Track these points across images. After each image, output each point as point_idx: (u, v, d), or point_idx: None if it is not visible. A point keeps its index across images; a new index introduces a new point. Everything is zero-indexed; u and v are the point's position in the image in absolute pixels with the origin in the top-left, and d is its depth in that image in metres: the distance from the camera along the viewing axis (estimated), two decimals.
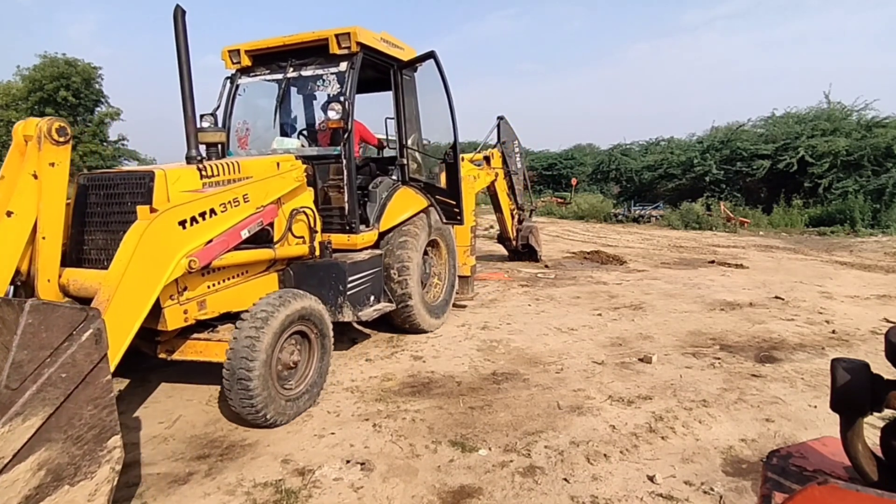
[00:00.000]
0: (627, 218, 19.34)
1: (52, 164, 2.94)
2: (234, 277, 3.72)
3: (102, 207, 3.36)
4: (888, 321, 6.00)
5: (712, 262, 10.20)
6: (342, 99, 4.38)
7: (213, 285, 3.54)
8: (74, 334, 1.92)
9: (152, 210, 2.96)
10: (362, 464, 2.99)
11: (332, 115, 4.28)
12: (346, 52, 4.45)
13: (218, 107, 4.87)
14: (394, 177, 5.31)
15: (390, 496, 2.72)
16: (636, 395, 3.94)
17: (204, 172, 3.46)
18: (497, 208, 9.36)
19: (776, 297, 7.15)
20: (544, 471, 2.95)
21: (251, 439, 3.27)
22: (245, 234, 3.55)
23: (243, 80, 4.97)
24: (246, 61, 4.86)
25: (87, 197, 3.41)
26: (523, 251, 9.89)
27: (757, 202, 19.29)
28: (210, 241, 3.26)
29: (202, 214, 3.23)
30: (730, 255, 11.10)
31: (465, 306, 6.51)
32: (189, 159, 3.48)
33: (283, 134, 5.23)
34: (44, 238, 3.00)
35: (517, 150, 10.40)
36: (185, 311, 3.30)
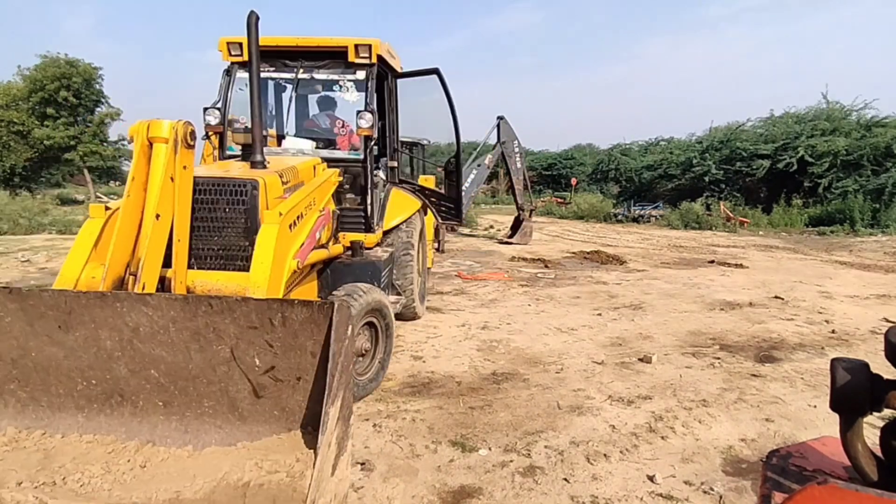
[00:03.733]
0: (627, 218, 19.34)
1: (185, 168, 2.98)
2: (303, 278, 3.92)
3: (210, 212, 3.36)
4: (888, 321, 6.00)
5: (712, 261, 10.21)
6: (370, 108, 4.63)
7: (294, 286, 3.71)
8: (348, 325, 2.08)
9: (281, 214, 3.21)
10: (362, 464, 2.99)
11: (362, 123, 4.50)
12: (364, 61, 4.67)
13: (218, 101, 4.80)
14: (382, 176, 5.45)
15: (390, 496, 2.72)
16: (636, 395, 3.95)
17: (283, 178, 3.62)
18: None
19: (776, 297, 7.16)
20: (544, 471, 2.95)
21: None
22: (318, 236, 3.77)
23: (241, 75, 4.89)
24: (247, 56, 4.75)
25: (194, 202, 3.30)
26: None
27: (757, 202, 19.30)
28: (303, 243, 3.54)
29: (298, 218, 3.52)
30: (729, 255, 11.10)
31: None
32: (255, 164, 3.62)
33: (292, 134, 5.33)
34: (179, 241, 2.99)
35: (517, 150, 10.45)
36: None
